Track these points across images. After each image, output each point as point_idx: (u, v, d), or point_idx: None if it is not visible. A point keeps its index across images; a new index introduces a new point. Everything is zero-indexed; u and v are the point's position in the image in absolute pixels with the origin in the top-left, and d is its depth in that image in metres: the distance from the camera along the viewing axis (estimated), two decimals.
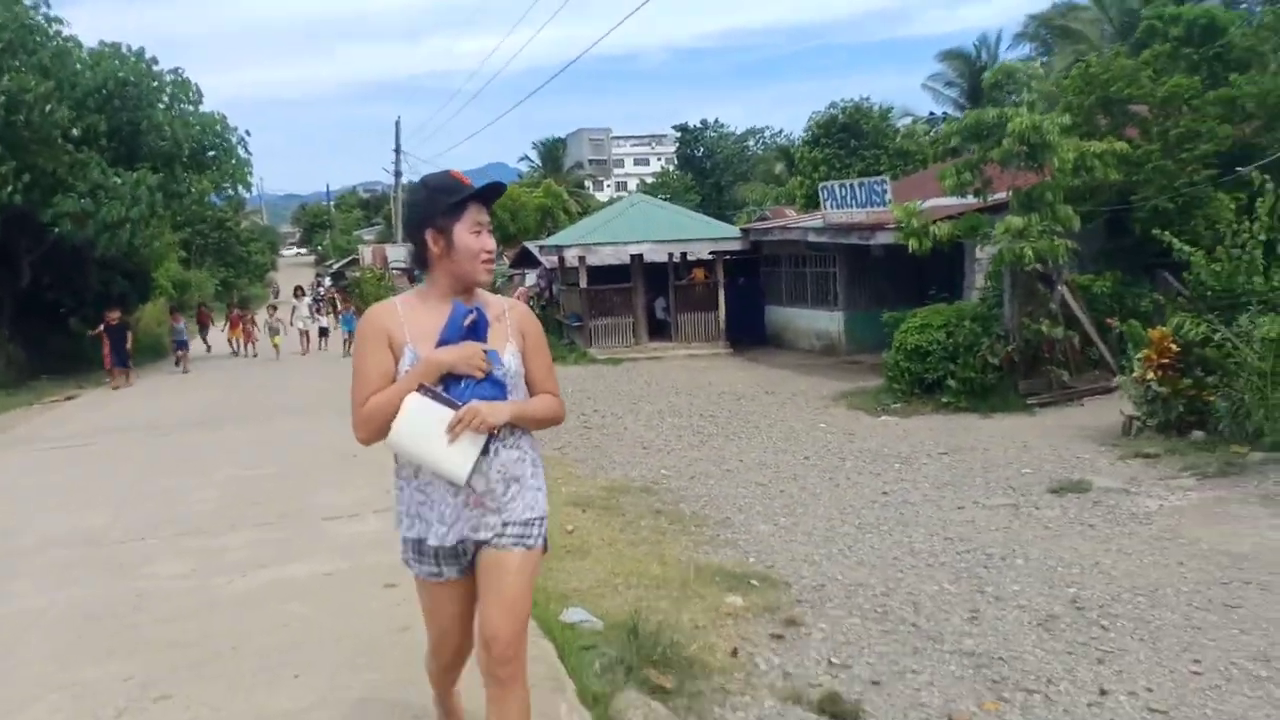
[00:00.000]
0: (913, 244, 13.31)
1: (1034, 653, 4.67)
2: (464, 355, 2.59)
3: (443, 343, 2.62)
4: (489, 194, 2.72)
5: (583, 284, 22.00)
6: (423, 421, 2.53)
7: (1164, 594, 5.46)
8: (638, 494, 8.28)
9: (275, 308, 27.58)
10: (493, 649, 2.64)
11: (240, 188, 22.43)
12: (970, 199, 13.67)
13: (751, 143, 70.28)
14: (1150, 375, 10.20)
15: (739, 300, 22.89)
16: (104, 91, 18.38)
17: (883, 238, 15.73)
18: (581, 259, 21.89)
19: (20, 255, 19.60)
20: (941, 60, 37.45)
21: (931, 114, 38.53)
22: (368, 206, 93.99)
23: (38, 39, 17.57)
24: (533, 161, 71.59)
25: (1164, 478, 8.46)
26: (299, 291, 27.06)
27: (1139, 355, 10.46)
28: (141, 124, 18.79)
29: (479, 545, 2.70)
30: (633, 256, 21.79)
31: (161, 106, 19.51)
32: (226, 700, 3.86)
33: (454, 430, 2.51)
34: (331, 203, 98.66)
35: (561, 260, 23.17)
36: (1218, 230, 11.80)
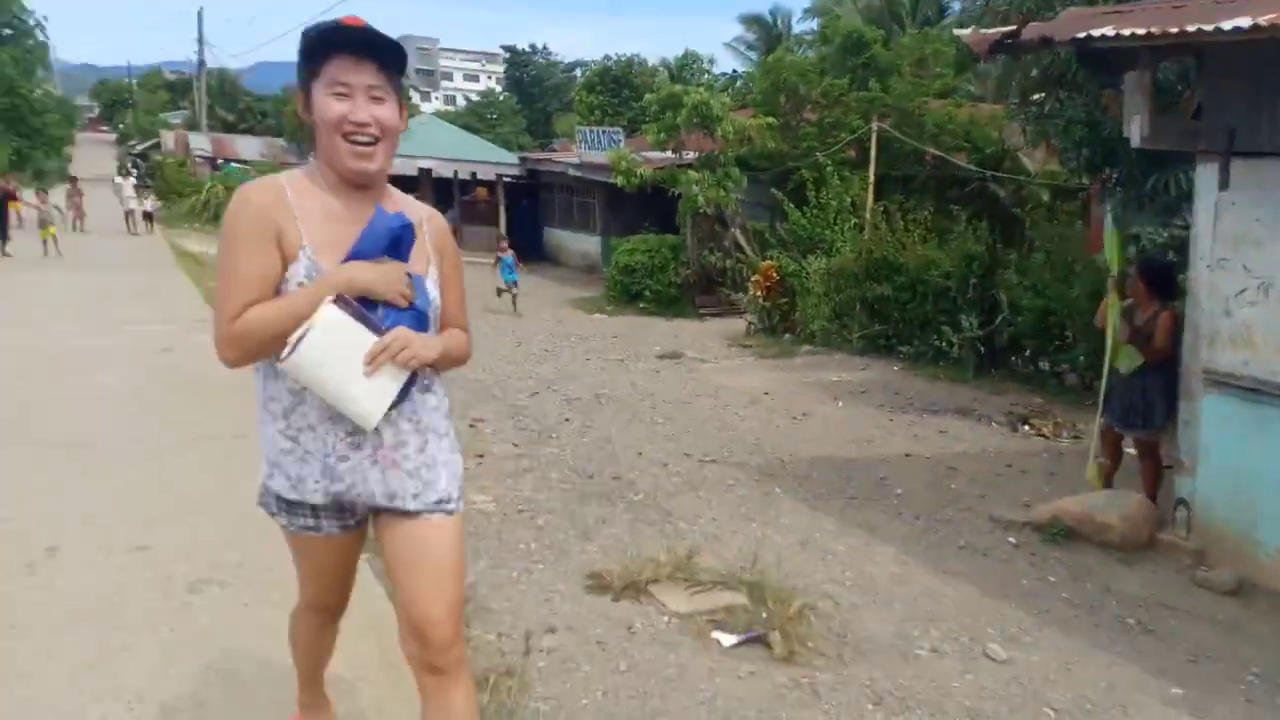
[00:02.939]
0: (619, 180, 17.06)
1: (549, 410, 8.31)
2: (386, 277, 2.00)
3: (356, 256, 2.00)
4: (358, 41, 1.98)
5: None
6: (335, 344, 1.93)
7: (654, 395, 9.26)
8: None
9: (45, 192, 22.60)
10: (427, 635, 2.11)
11: (40, 69, 23.60)
12: (670, 154, 17.47)
13: (579, 73, 72.68)
14: (758, 294, 14.30)
15: (522, 220, 26.09)
16: None
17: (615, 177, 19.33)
18: None
19: None
20: (742, 23, 41.35)
21: (733, 72, 42.65)
22: (174, 90, 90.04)
23: None
24: None
25: (736, 357, 12.51)
26: (124, 170, 27.76)
27: (753, 278, 14.57)
28: None
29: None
30: (421, 170, 24.57)
31: None
32: (60, 391, 6.95)
33: (374, 360, 1.95)
34: (134, 81, 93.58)
35: None
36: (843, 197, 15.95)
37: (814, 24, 38.68)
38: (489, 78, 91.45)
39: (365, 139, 2.00)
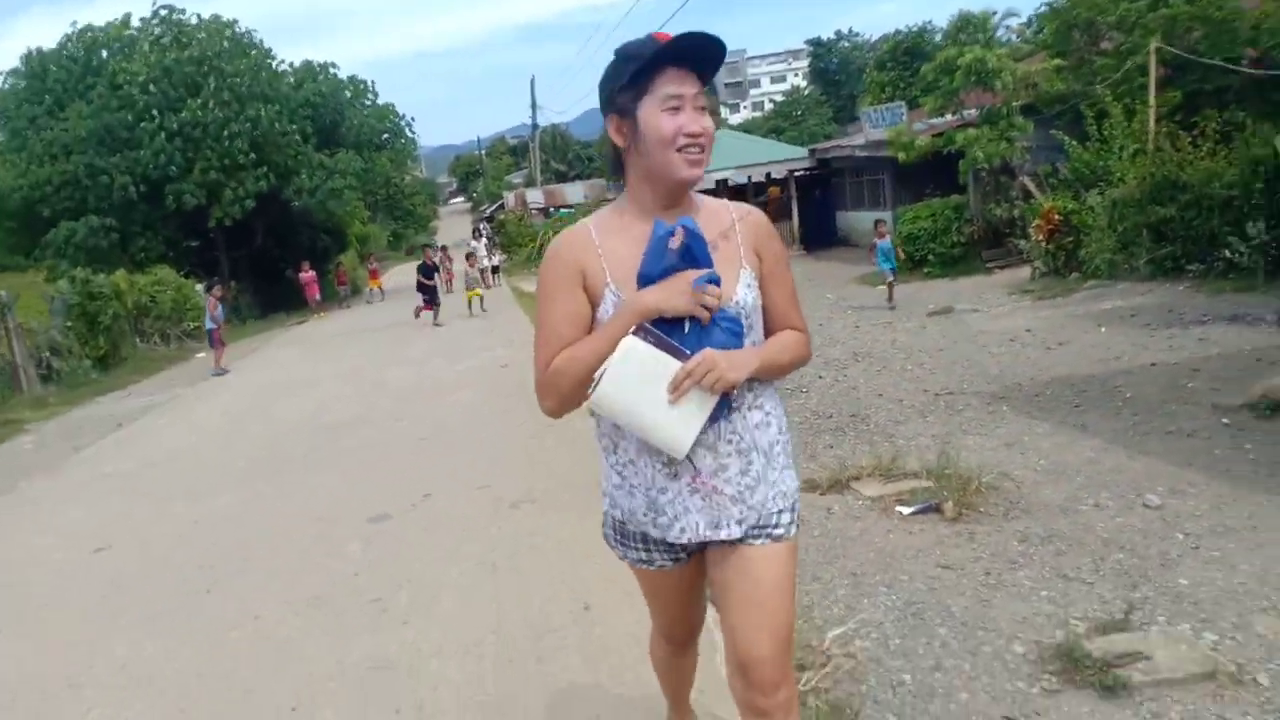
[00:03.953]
0: (900, 155, 17.55)
1: (806, 371, 9.38)
2: (673, 291, 1.87)
3: (644, 277, 1.91)
4: (686, 51, 1.91)
5: None
6: (638, 375, 1.85)
7: (911, 348, 10.03)
8: None
9: (474, 256, 23.56)
10: (752, 674, 1.99)
11: (409, 160, 29.12)
12: (950, 117, 17.67)
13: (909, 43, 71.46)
14: (1039, 237, 14.30)
15: (817, 209, 27.14)
16: (309, 101, 25.16)
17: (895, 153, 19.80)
18: None
19: (256, 226, 26.39)
20: None
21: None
22: (515, 153, 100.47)
23: (265, 77, 24.52)
24: None
25: (1011, 303, 12.75)
26: (476, 233, 32.64)
27: (1034, 223, 14.55)
28: (340, 122, 25.51)
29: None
30: (718, 181, 26.38)
31: (348, 98, 26.23)
32: (431, 403, 9.23)
33: (678, 387, 1.84)
34: (483, 151, 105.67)
35: None
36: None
37: None
38: (795, 75, 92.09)
39: (697, 148, 1.93)
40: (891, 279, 14.57)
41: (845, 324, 12.65)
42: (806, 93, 65.04)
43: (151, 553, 5.71)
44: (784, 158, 27.32)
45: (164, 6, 25.65)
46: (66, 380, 14.56)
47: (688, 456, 1.93)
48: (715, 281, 1.89)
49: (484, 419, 8.36)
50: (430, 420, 8.57)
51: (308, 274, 25.65)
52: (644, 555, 2.13)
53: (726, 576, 2.04)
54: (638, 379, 1.85)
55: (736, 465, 1.99)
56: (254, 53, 25.62)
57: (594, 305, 1.97)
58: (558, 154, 66.16)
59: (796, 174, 26.62)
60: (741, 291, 1.99)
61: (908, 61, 30.27)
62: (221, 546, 5.62)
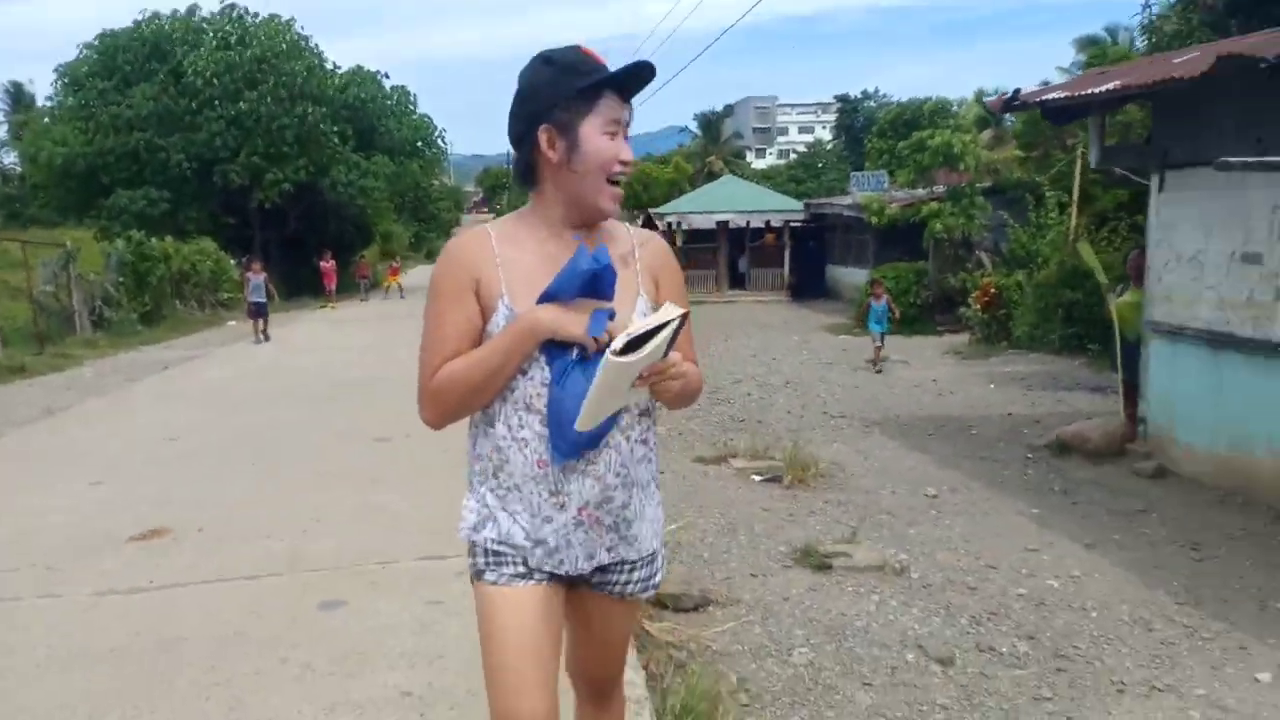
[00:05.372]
0: (873, 220, 19.63)
1: (741, 391, 11.35)
2: (576, 318, 1.83)
3: (549, 295, 1.85)
4: (632, 79, 1.90)
5: (679, 243, 28.88)
6: (615, 385, 1.78)
7: (834, 383, 11.98)
8: None
9: None
10: (596, 685, 2.22)
11: (438, 170, 31.30)
12: (920, 191, 19.80)
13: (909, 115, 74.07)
14: (977, 307, 16.28)
15: (808, 260, 29.18)
16: (351, 105, 27.44)
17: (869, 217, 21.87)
18: (678, 223, 28.84)
19: (290, 212, 28.57)
20: (1075, 46, 40.45)
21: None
22: None
23: (315, 80, 26.85)
24: (693, 132, 77.29)
25: (940, 360, 14.70)
26: None
27: (972, 295, 16.55)
28: (377, 127, 27.71)
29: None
30: (718, 223, 28.52)
31: (390, 107, 28.51)
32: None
33: (649, 378, 1.80)
34: (510, 165, 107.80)
35: (668, 225, 30.15)
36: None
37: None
38: (822, 127, 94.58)
39: (627, 174, 1.93)
40: (880, 343, 14.04)
41: (794, 362, 14.59)
42: (829, 147, 67.30)
43: (210, 443, 7.73)
44: (782, 208, 29.42)
45: (229, 5, 28.01)
46: (114, 329, 16.57)
47: (572, 490, 1.89)
48: (611, 317, 1.84)
49: None
50: None
51: (328, 263, 27.71)
52: (521, 570, 1.94)
53: (584, 617, 2.09)
54: (615, 388, 1.78)
55: (620, 499, 1.94)
56: (309, 56, 27.92)
57: (484, 316, 1.89)
58: None
59: (792, 225, 28.69)
60: (637, 320, 1.88)
61: (905, 133, 32.46)
62: (264, 442, 7.64)
